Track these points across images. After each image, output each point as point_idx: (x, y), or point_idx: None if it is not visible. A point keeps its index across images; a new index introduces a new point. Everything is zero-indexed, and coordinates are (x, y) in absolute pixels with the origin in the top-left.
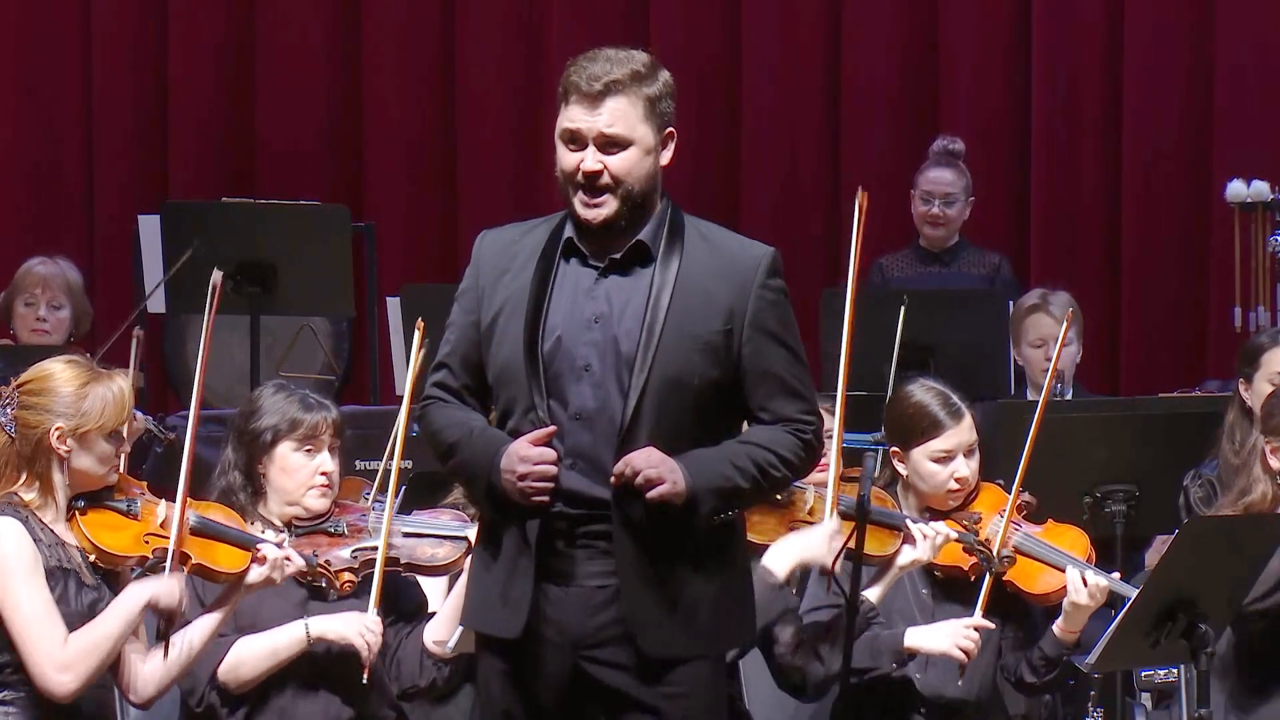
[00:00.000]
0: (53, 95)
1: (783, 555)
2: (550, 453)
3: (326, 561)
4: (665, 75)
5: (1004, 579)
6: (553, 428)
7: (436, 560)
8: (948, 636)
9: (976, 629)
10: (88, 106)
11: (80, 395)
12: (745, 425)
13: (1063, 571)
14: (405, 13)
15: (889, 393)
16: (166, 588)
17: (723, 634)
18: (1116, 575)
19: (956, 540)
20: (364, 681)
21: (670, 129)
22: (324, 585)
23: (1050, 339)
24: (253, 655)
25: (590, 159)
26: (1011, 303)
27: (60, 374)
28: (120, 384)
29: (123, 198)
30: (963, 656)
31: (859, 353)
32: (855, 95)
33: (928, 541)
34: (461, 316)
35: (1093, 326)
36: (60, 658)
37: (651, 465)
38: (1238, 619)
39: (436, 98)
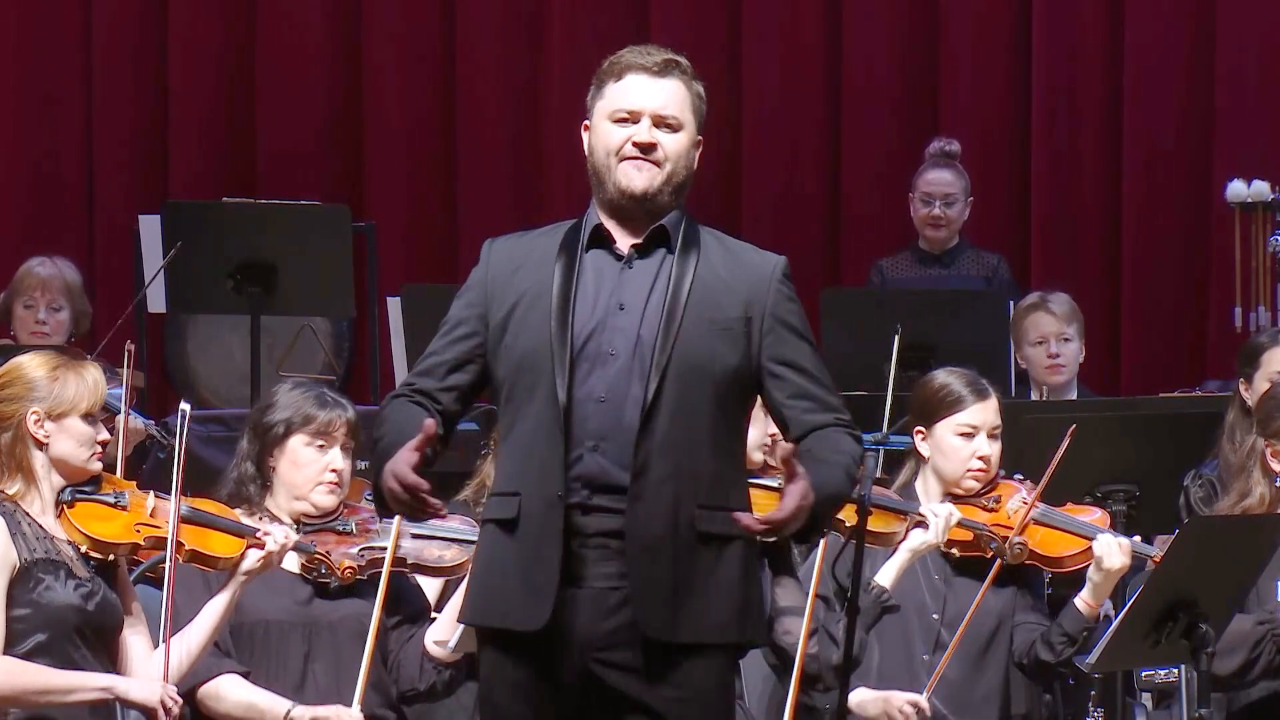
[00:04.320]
0: (53, 95)
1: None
2: (418, 481)
3: (325, 551)
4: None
5: (1002, 560)
6: (429, 424)
7: (444, 562)
8: (882, 703)
9: (915, 706)
10: (88, 106)
11: (53, 378)
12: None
13: (1083, 538)
14: (405, 13)
15: (889, 394)
16: (143, 688)
17: (731, 626)
18: (1136, 538)
19: (967, 528)
20: None
21: (701, 136)
22: (324, 573)
23: (1051, 336)
24: (232, 699)
25: (644, 131)
26: (1011, 303)
27: (29, 363)
28: (91, 369)
29: (123, 198)
30: None
31: (859, 353)
32: (855, 96)
33: (939, 520)
34: (465, 310)
35: (1093, 326)
36: None
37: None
38: (1224, 687)
39: (436, 98)
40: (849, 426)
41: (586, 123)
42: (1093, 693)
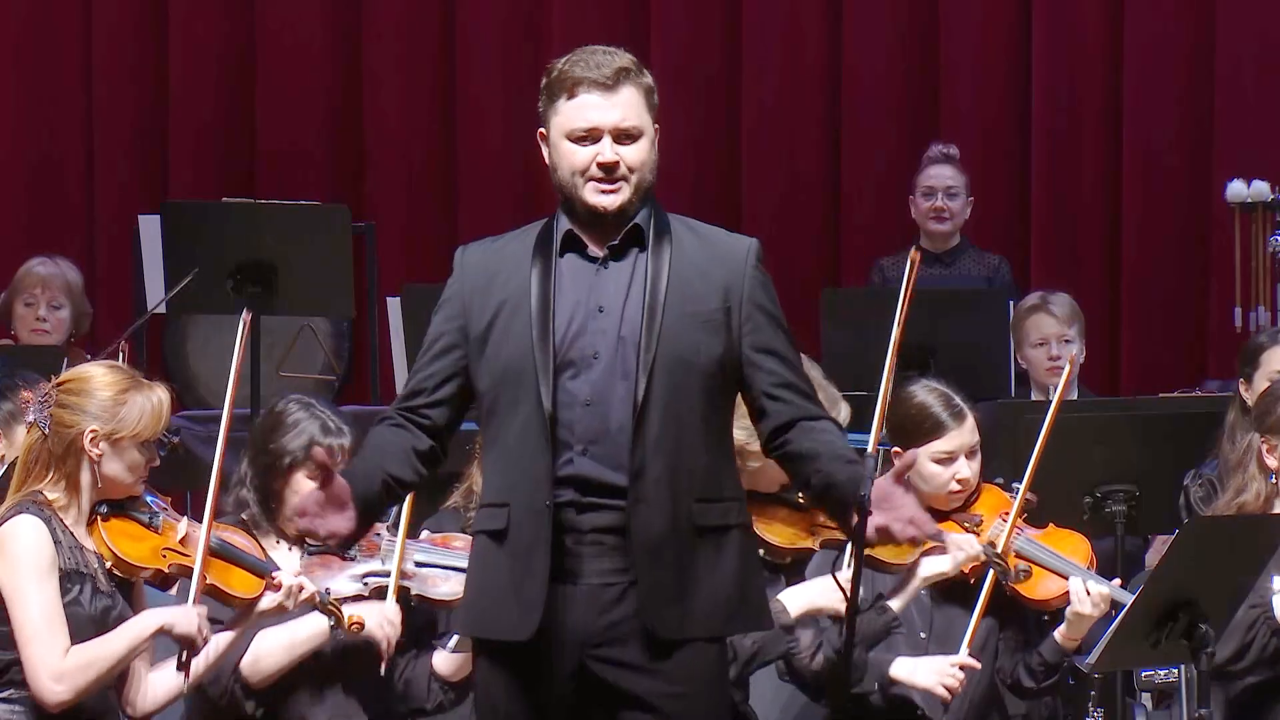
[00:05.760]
0: (53, 95)
1: (796, 597)
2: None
3: (336, 600)
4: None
5: (1005, 584)
6: (317, 452)
7: (447, 596)
8: (934, 673)
9: (962, 667)
10: (88, 106)
11: (118, 401)
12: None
13: (1064, 577)
14: (405, 13)
15: (880, 397)
16: (184, 615)
17: (735, 615)
18: (1117, 582)
19: (980, 556)
20: (381, 674)
21: (657, 124)
22: (333, 625)
23: (1052, 338)
24: (273, 647)
25: (607, 150)
26: (1012, 303)
27: (100, 378)
28: (160, 395)
29: (123, 198)
30: (945, 694)
31: (859, 353)
32: (855, 95)
33: (960, 554)
34: (445, 323)
35: (1093, 326)
36: (57, 666)
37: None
38: (1220, 673)
39: (436, 97)
40: (827, 415)
41: (542, 131)
42: (1093, 693)
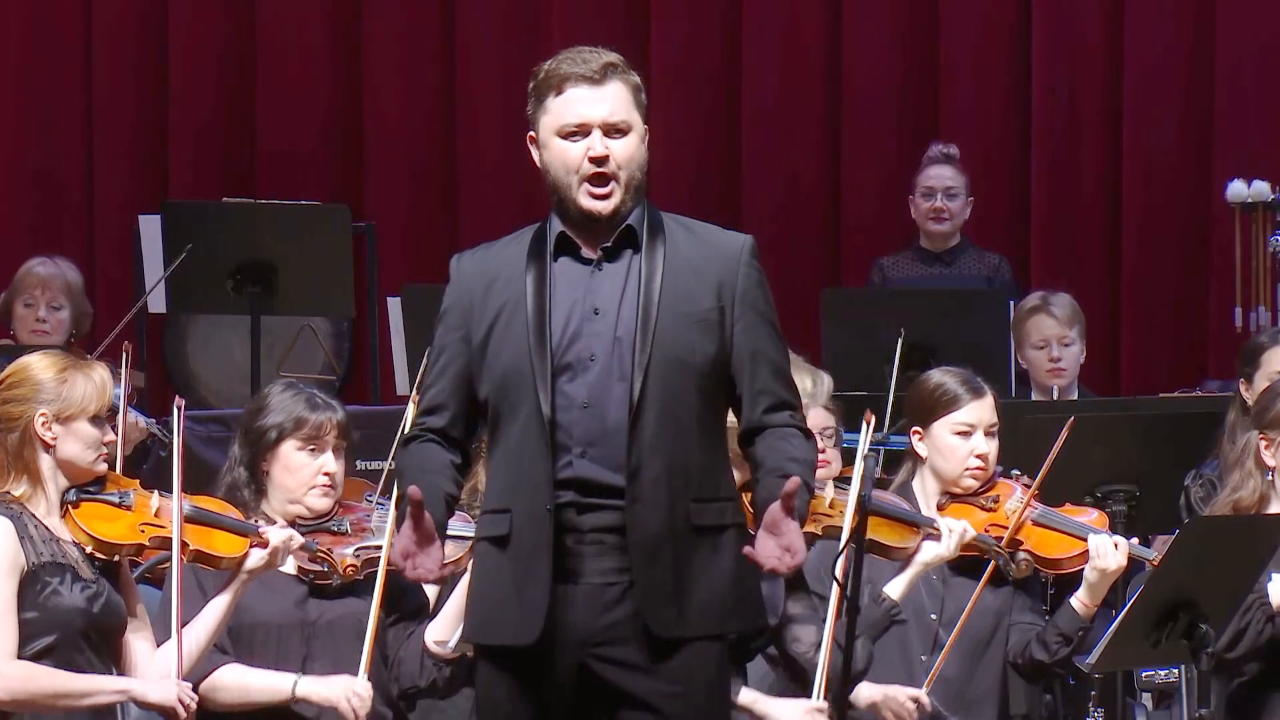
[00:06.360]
0: (53, 95)
1: (754, 701)
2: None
3: (328, 549)
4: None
5: (1021, 547)
6: (413, 491)
7: None
8: (881, 696)
9: (916, 701)
10: (88, 106)
11: (60, 380)
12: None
13: (1080, 540)
14: (405, 13)
15: (890, 393)
16: (160, 689)
17: (732, 613)
18: (1134, 540)
19: (976, 542)
20: None
21: (647, 124)
22: (326, 571)
23: (1053, 340)
24: (235, 686)
25: (598, 144)
26: (1012, 303)
27: (37, 364)
28: (99, 370)
29: (123, 198)
30: None
31: (859, 353)
32: (855, 95)
33: (952, 536)
34: (447, 334)
35: (1093, 326)
36: None
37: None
38: (1221, 663)
39: (436, 97)
40: (801, 423)
41: (532, 134)
42: (1093, 693)
